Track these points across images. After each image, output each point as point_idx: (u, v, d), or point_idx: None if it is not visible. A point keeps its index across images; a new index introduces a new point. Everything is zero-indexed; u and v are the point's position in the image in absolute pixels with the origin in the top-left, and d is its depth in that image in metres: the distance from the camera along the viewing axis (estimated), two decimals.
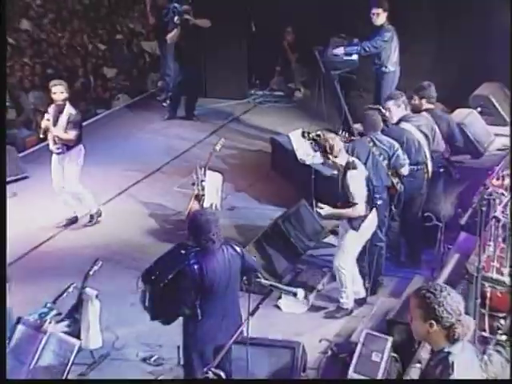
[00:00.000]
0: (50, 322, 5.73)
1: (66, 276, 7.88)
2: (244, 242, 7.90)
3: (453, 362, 3.69)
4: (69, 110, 9.02)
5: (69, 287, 6.73)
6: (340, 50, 10.62)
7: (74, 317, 6.73)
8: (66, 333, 5.69)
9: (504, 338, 6.22)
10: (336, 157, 6.98)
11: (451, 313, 3.70)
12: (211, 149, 9.09)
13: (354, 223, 7.11)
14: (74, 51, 15.86)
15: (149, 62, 15.93)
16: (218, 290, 5.60)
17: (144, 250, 8.62)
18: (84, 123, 12.63)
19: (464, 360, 3.74)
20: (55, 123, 9.01)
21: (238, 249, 5.75)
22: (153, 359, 6.92)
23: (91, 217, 9.40)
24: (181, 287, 5.56)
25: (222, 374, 4.77)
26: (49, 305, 6.29)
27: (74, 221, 9.38)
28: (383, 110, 7.88)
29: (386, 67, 10.33)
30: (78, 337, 6.20)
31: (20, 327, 5.50)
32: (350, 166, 6.99)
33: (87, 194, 9.28)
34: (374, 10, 10.04)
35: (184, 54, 12.18)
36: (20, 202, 9.94)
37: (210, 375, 4.78)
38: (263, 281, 5.59)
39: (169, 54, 12.65)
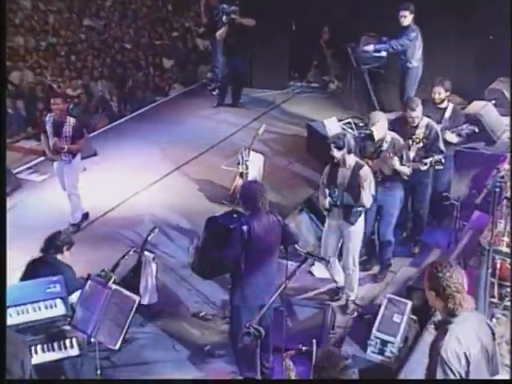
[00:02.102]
0: (114, 281, 5.79)
1: (128, 240, 8.00)
2: (281, 215, 7.86)
3: (448, 329, 3.75)
4: (71, 121, 8.25)
5: (130, 250, 6.79)
6: (370, 47, 10.54)
7: (134, 275, 6.82)
8: (127, 289, 5.72)
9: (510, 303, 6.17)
10: (350, 153, 6.52)
11: (446, 288, 3.77)
12: (254, 133, 9.04)
13: (352, 219, 6.62)
14: (136, 46, 15.94)
15: (200, 55, 15.93)
16: (262, 250, 5.64)
17: (195, 220, 8.64)
18: (144, 109, 12.88)
19: (463, 329, 3.77)
20: (57, 134, 8.23)
21: (279, 218, 5.79)
22: (201, 314, 6.95)
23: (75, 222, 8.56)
24: (231, 242, 5.64)
25: (262, 330, 4.75)
26: (106, 269, 6.36)
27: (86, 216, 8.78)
28: (411, 118, 7.30)
29: (410, 63, 10.16)
30: (137, 293, 6.26)
31: (90, 282, 5.55)
32: (359, 163, 6.60)
33: (78, 198, 8.61)
34: (402, 13, 9.88)
35: (231, 48, 12.09)
36: (88, 176, 10.04)
37: (251, 330, 4.77)
38: (299, 249, 5.57)
39: (218, 48, 12.65)
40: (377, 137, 6.94)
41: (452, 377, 3.69)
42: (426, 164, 7.04)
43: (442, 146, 7.33)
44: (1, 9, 7.46)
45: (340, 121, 10.63)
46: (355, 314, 6.80)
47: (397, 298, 6.21)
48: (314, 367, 3.55)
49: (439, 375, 3.71)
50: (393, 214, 7.22)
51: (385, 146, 6.96)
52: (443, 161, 7.05)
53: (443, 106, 7.87)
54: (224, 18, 11.72)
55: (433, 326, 5.69)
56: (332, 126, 9.94)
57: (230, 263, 5.75)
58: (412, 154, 7.17)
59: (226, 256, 5.75)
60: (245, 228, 5.55)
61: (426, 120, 7.34)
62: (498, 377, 4.05)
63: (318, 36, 13.14)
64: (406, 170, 6.98)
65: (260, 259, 5.67)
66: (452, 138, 7.72)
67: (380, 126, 6.90)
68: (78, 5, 17.72)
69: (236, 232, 5.62)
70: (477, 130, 7.96)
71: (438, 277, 3.79)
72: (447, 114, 7.85)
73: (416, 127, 7.29)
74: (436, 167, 7.12)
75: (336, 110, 11.58)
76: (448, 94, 7.88)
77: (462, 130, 7.81)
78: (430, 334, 5.70)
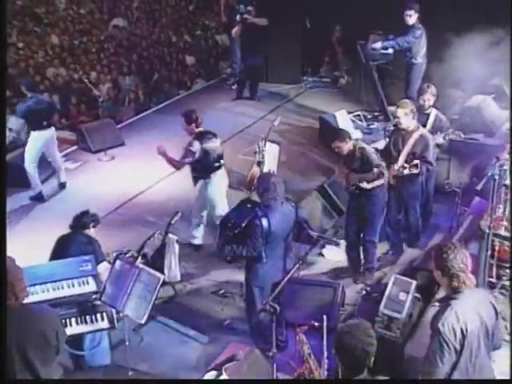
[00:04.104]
0: (141, 260, 5.82)
1: (153, 223, 8.02)
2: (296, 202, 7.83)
3: (450, 304, 3.80)
4: None
5: (155, 233, 6.80)
6: (378, 45, 10.44)
7: (158, 256, 6.85)
8: (153, 268, 5.74)
9: (508, 283, 6.12)
10: None
11: (451, 268, 3.81)
12: (270, 124, 9.01)
13: None
14: (161, 43, 15.94)
15: (220, 52, 15.89)
16: (278, 237, 5.64)
17: None
18: (168, 102, 12.87)
19: (464, 306, 3.81)
20: None
21: (293, 204, 5.77)
22: (220, 292, 6.98)
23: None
24: (251, 235, 5.59)
25: (277, 307, 4.76)
26: (126, 248, 6.41)
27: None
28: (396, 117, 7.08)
29: (415, 59, 10.10)
30: (162, 271, 6.28)
31: (118, 262, 5.57)
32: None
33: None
34: (407, 12, 9.82)
35: (247, 46, 12.02)
36: (117, 164, 10.09)
37: (267, 307, 4.78)
38: (311, 233, 5.56)
39: (235, 46, 12.62)
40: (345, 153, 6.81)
41: (446, 349, 3.73)
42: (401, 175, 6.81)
43: (430, 157, 6.96)
44: (1, 9, 7.14)
45: (350, 113, 10.57)
46: (364, 292, 6.79)
47: (402, 277, 6.17)
48: (341, 338, 3.50)
49: (435, 347, 3.75)
50: (375, 213, 6.90)
51: (355, 164, 6.74)
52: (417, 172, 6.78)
53: (428, 111, 7.57)
54: (238, 17, 11.69)
55: (437, 304, 5.72)
56: (342, 118, 9.89)
57: (251, 254, 5.67)
58: (401, 161, 6.90)
59: (248, 249, 5.63)
60: (264, 220, 5.52)
61: (420, 131, 7.01)
62: (498, 375, 4.09)
63: (330, 34, 13.06)
64: (367, 186, 6.75)
65: (277, 244, 5.68)
66: (438, 140, 7.44)
67: (341, 147, 6.76)
68: (108, 5, 17.75)
69: (256, 225, 5.55)
70: (462, 136, 7.76)
71: (443, 257, 3.83)
72: (431, 119, 7.54)
73: (410, 135, 6.95)
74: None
75: (346, 103, 11.53)
76: (435, 98, 7.61)
77: (448, 134, 7.64)
78: (432, 311, 5.70)
